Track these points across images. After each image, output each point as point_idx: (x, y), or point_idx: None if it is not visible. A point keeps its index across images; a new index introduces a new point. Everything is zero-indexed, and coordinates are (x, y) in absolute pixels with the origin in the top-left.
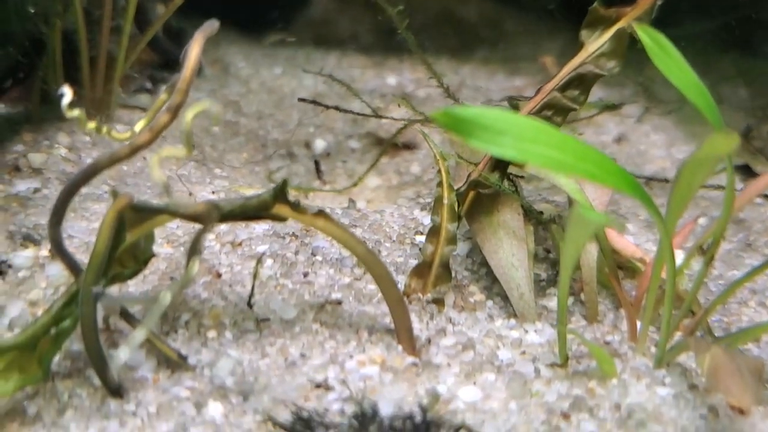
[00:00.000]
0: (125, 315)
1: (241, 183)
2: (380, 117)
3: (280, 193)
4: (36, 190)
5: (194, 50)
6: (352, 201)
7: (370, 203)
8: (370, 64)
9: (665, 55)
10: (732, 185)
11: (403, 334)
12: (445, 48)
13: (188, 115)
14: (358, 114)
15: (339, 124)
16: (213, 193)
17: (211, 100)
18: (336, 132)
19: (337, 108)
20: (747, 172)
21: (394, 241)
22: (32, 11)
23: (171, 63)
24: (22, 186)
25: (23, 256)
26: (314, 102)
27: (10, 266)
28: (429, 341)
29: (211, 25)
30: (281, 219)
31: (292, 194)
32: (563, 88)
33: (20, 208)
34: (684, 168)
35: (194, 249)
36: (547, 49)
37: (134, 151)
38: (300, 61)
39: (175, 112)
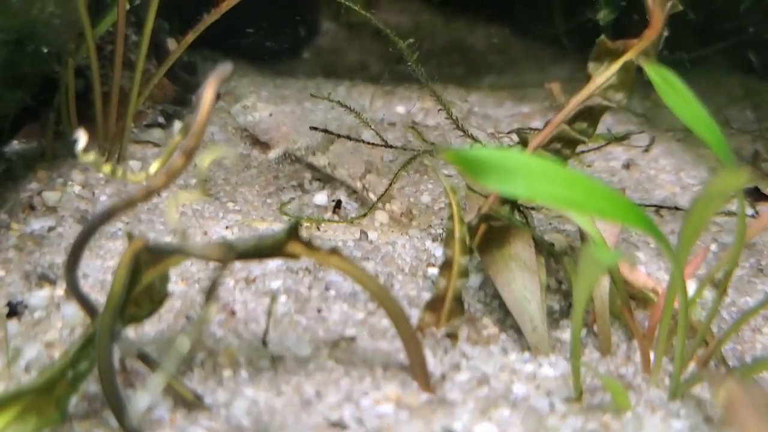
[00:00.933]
0: (142, 356)
1: (253, 216)
2: (389, 146)
3: (293, 232)
4: (51, 229)
5: (208, 94)
6: (363, 233)
7: (382, 234)
8: (380, 93)
9: (673, 91)
10: (743, 217)
11: (417, 370)
12: (453, 75)
13: (204, 162)
14: (368, 143)
15: None
16: (226, 228)
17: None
18: None
19: (348, 137)
20: (757, 194)
21: (406, 273)
22: (46, 51)
23: (186, 96)
24: (37, 225)
25: (39, 296)
26: (325, 131)
27: (26, 307)
28: (443, 377)
29: (225, 69)
30: (295, 257)
31: (305, 226)
32: (572, 120)
33: (35, 247)
34: (695, 204)
35: (210, 293)
36: (554, 76)
37: (149, 194)
38: (311, 92)
39: (190, 155)
